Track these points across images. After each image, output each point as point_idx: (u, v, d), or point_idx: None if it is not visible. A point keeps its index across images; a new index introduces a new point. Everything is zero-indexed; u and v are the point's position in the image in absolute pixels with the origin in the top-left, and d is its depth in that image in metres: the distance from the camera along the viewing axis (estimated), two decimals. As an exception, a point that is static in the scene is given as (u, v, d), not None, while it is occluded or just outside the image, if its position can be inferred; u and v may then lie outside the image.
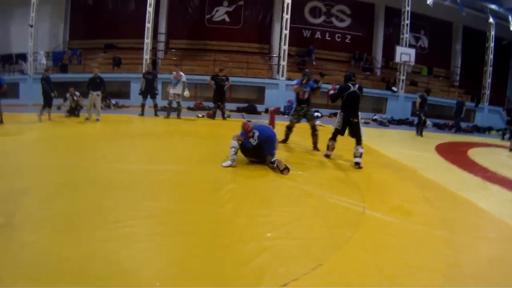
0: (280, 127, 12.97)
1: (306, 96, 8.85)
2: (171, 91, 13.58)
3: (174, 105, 13.88)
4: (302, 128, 9.58)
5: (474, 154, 10.85)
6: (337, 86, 7.76)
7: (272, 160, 6.51)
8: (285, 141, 9.17)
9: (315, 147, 8.76)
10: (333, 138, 7.73)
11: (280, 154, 7.20)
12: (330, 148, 7.82)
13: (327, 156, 7.84)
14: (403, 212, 4.91)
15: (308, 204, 4.93)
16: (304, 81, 8.67)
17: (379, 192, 5.82)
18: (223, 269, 3.12)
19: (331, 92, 7.66)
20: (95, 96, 12.44)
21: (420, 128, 14.69)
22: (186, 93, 13.58)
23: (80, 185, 5.15)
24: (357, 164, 7.12)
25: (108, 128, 11.24)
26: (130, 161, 6.83)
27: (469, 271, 3.43)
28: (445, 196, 5.93)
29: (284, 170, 6.25)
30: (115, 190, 5.07)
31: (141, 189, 5.18)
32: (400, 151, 10.03)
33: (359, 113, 7.51)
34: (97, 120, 12.15)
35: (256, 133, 6.52)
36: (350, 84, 7.43)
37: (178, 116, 13.81)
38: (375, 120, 18.71)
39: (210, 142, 9.48)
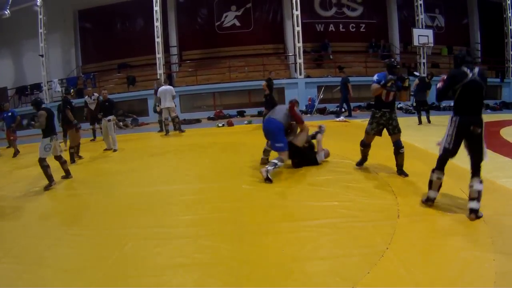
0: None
1: (390, 98, 6.17)
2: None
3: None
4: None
5: (507, 134, 10.17)
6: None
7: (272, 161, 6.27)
8: (362, 162, 6.69)
9: (400, 171, 6.14)
10: (440, 167, 4.61)
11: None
12: (434, 185, 4.63)
13: (430, 201, 4.67)
14: (442, 211, 4.50)
15: (336, 213, 4.60)
16: (388, 81, 5.97)
17: (413, 190, 5.39)
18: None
19: (439, 85, 4.62)
20: (107, 122, 10.62)
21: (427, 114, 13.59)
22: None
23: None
24: (473, 212, 4.22)
25: (128, 149, 11.00)
26: (148, 183, 6.74)
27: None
28: (484, 187, 5.41)
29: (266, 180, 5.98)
30: (129, 212, 5.09)
31: (158, 211, 5.11)
32: (429, 139, 9.41)
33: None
34: (114, 150, 10.60)
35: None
36: (466, 69, 4.35)
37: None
38: (400, 109, 17.94)
39: (228, 153, 9.13)
